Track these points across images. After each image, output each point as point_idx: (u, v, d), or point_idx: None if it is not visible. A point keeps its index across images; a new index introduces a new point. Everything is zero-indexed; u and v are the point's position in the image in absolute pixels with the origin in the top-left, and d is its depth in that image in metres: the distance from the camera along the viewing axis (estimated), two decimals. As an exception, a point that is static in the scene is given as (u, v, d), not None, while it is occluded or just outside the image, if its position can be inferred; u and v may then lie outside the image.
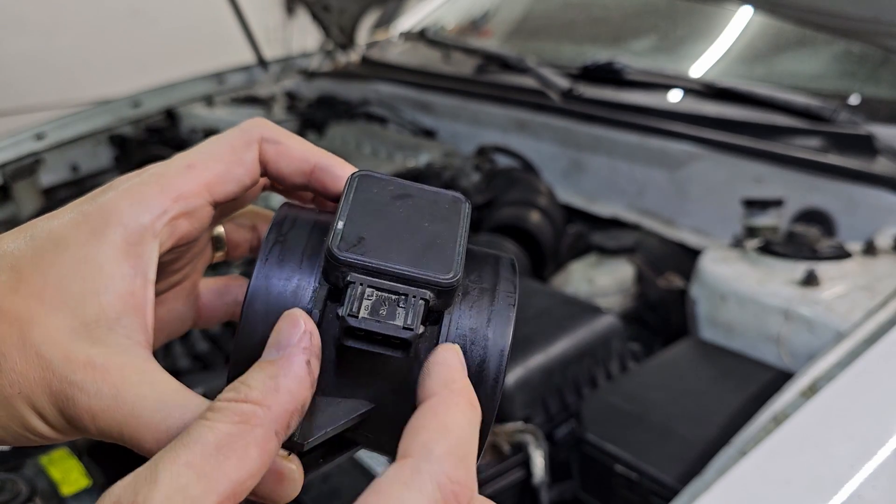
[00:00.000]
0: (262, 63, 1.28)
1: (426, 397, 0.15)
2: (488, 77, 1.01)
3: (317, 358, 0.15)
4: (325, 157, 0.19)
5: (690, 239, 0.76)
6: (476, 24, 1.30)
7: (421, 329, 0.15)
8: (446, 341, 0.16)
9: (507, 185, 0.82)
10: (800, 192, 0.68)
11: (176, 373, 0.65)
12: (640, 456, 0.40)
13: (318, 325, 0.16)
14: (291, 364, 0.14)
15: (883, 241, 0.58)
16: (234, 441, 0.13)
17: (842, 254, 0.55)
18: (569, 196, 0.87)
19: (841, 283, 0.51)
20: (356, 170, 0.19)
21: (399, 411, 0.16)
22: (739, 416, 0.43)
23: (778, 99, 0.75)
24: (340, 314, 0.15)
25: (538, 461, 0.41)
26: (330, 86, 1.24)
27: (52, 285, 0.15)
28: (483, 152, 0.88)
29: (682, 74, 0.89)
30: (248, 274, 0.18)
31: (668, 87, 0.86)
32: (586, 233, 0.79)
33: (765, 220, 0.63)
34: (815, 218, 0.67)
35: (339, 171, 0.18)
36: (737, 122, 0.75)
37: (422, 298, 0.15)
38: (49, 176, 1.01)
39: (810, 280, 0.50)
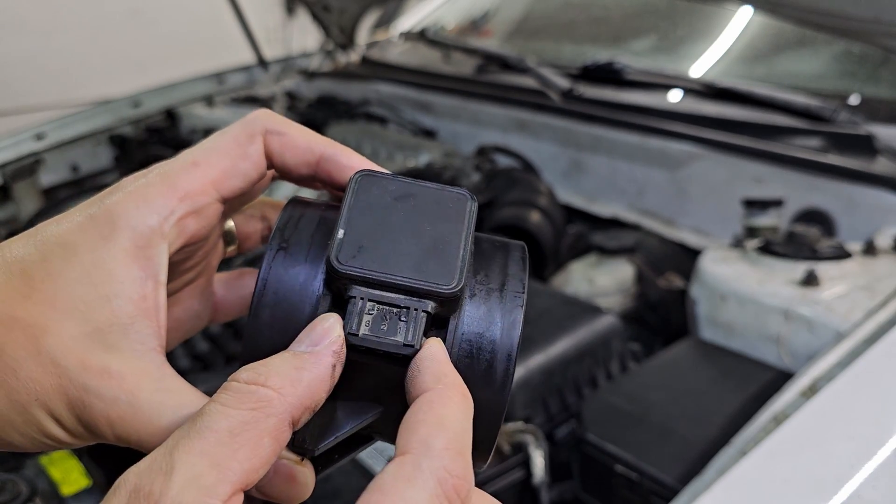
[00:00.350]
0: (263, 63, 1.27)
1: (420, 392, 0.15)
2: (488, 77, 1.01)
3: (340, 366, 0.15)
4: (330, 146, 0.18)
5: (690, 239, 0.76)
6: (476, 24, 1.30)
7: (422, 342, 0.15)
8: (452, 345, 0.16)
9: (507, 185, 0.82)
10: (800, 192, 0.68)
11: (177, 372, 0.65)
12: (640, 456, 0.40)
13: None
14: (319, 362, 0.14)
15: (883, 241, 0.58)
16: (248, 430, 0.13)
17: (842, 254, 0.55)
18: (569, 196, 0.87)
19: (841, 283, 0.51)
20: (362, 159, 0.18)
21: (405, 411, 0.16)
22: (739, 416, 0.43)
23: (778, 99, 0.75)
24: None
25: (538, 461, 0.41)
26: (330, 86, 1.24)
27: (64, 291, 0.15)
28: (483, 152, 0.88)
29: (682, 74, 0.89)
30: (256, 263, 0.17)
31: (668, 87, 0.86)
32: (586, 233, 0.79)
33: (765, 220, 0.63)
34: (815, 218, 0.67)
35: (344, 160, 0.18)
36: (737, 122, 0.75)
37: (423, 311, 0.15)
38: (49, 176, 1.01)
39: (810, 280, 0.50)
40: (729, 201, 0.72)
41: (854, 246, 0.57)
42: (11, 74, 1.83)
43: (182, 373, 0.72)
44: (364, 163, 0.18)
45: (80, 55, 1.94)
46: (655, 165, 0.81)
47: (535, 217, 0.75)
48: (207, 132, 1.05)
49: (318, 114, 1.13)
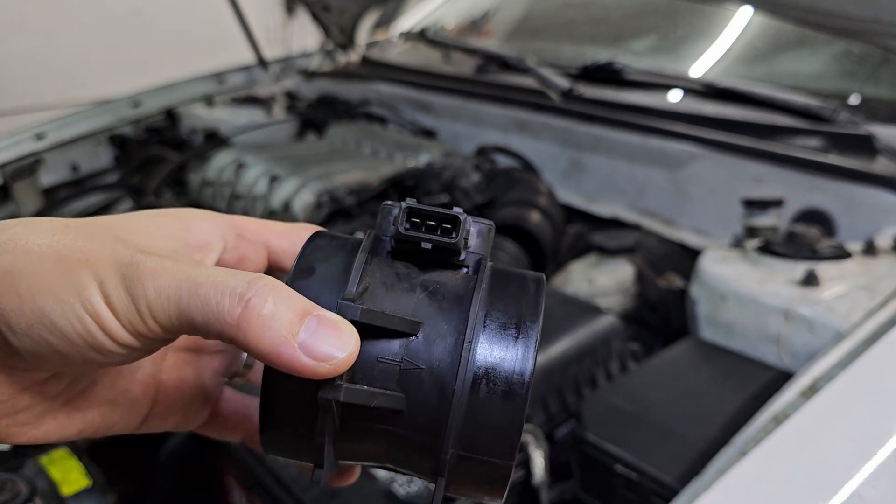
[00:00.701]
0: (262, 63, 1.27)
1: None
2: (488, 77, 1.01)
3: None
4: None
5: (690, 239, 0.76)
6: (476, 24, 1.30)
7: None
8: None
9: (507, 185, 0.82)
10: (800, 192, 0.68)
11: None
12: (640, 456, 0.40)
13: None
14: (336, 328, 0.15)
15: (883, 241, 0.58)
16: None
17: (842, 254, 0.54)
18: (569, 196, 0.87)
19: (841, 283, 0.51)
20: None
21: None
22: (739, 416, 0.43)
23: (778, 99, 0.75)
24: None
25: (538, 461, 0.41)
26: (330, 86, 1.24)
27: (114, 226, 0.16)
28: (483, 152, 0.88)
29: (682, 74, 0.89)
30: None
31: (668, 87, 0.86)
32: (586, 233, 0.79)
33: (765, 220, 0.63)
34: (815, 218, 0.67)
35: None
36: (737, 122, 0.75)
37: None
38: (49, 176, 1.01)
39: (810, 280, 0.50)
40: (729, 201, 0.72)
41: (854, 246, 0.57)
42: (12, 74, 1.84)
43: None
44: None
45: (80, 55, 1.94)
46: (655, 165, 0.81)
47: (535, 217, 0.75)
48: (207, 132, 1.06)
49: (318, 114, 1.13)
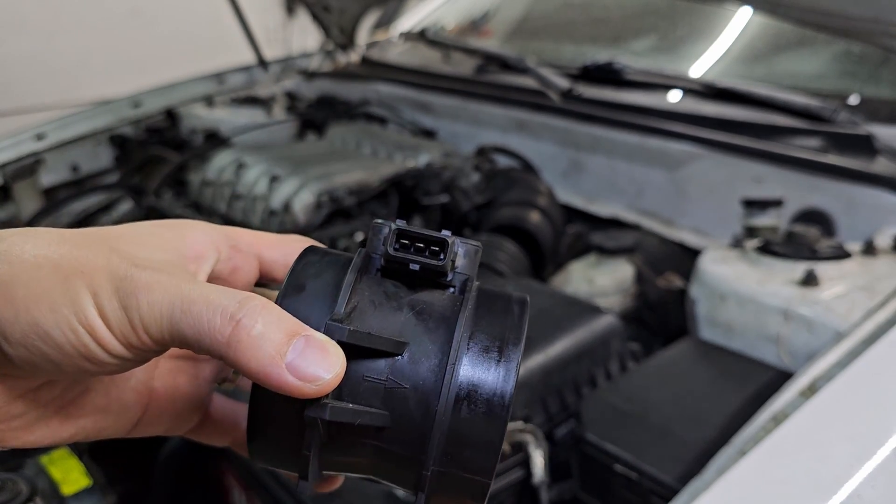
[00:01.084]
0: (263, 63, 1.28)
1: None
2: (488, 77, 1.01)
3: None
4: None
5: (690, 239, 0.76)
6: (476, 25, 1.30)
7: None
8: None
9: (506, 186, 0.82)
10: (799, 192, 0.68)
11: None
12: (639, 456, 0.40)
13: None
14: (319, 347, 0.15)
15: (882, 241, 0.58)
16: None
17: (841, 254, 0.54)
18: (568, 196, 0.87)
19: (840, 283, 0.51)
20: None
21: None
22: (739, 416, 0.43)
23: (778, 99, 0.75)
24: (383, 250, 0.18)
25: (538, 461, 0.42)
26: (330, 86, 1.24)
27: (111, 238, 0.17)
28: (483, 152, 0.88)
29: (681, 74, 0.89)
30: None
31: (667, 88, 0.86)
32: (586, 233, 0.79)
33: (764, 220, 0.63)
34: (815, 218, 0.67)
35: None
36: (736, 123, 0.75)
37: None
38: (49, 176, 1.01)
39: (810, 280, 0.50)
40: (728, 201, 0.72)
41: (854, 246, 0.57)
42: (12, 74, 1.84)
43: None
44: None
45: (80, 55, 1.94)
46: (655, 165, 0.81)
47: (534, 217, 0.75)
48: (208, 132, 1.06)
49: (318, 114, 1.13)
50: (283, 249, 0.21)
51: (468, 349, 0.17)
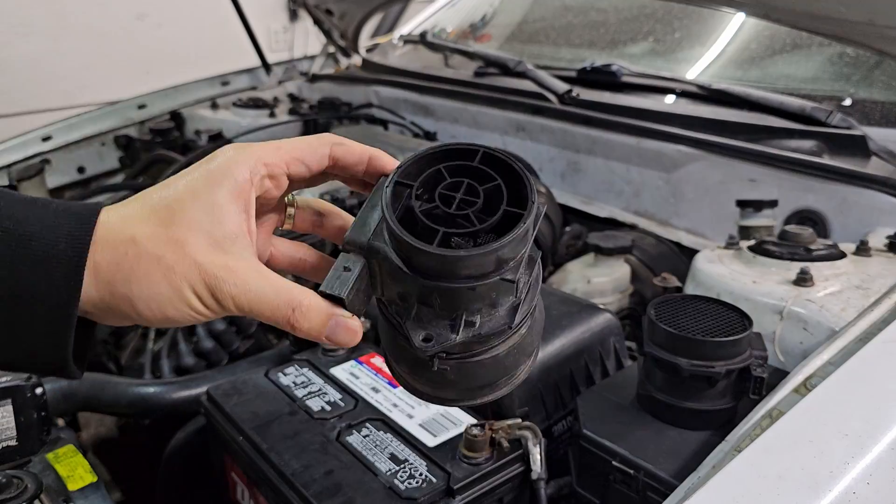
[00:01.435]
0: (266, 66, 1.29)
1: None
2: (487, 80, 1.02)
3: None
4: (376, 150, 0.28)
5: (686, 239, 0.77)
6: (475, 29, 1.31)
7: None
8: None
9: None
10: (794, 192, 0.69)
11: (182, 370, 0.66)
12: (636, 451, 0.40)
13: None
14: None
15: (876, 241, 0.59)
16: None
17: (835, 254, 0.55)
18: (566, 197, 0.88)
19: (834, 282, 0.51)
20: (393, 160, 0.27)
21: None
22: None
23: (773, 101, 0.76)
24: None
25: (536, 457, 0.42)
26: (332, 88, 1.25)
27: (194, 219, 0.24)
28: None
29: (677, 77, 0.89)
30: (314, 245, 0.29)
31: (664, 90, 0.87)
32: (584, 233, 0.79)
33: (759, 220, 0.64)
34: (809, 218, 0.68)
35: (386, 159, 0.28)
36: (732, 124, 0.76)
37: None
38: (55, 177, 1.02)
39: (804, 279, 0.51)
40: (724, 202, 0.73)
41: (847, 246, 0.57)
42: (19, 77, 1.85)
43: (186, 370, 0.73)
44: (395, 162, 0.27)
45: (86, 58, 1.96)
46: (651, 167, 0.82)
47: (533, 218, 0.75)
48: (212, 134, 1.07)
49: (321, 116, 1.14)
50: (307, 162, 0.27)
51: None
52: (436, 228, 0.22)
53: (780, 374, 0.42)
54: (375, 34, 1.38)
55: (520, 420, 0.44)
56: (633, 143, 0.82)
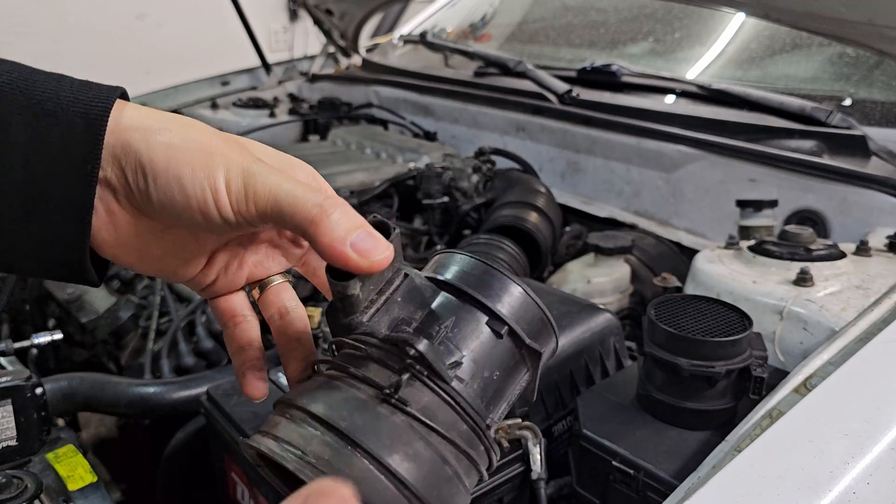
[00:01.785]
0: (266, 66, 1.29)
1: None
2: (487, 80, 1.02)
3: None
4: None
5: (686, 239, 0.77)
6: (475, 29, 1.31)
7: None
8: None
9: (505, 187, 0.83)
10: (794, 192, 0.69)
11: (182, 370, 0.66)
12: (636, 451, 0.40)
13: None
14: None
15: (876, 241, 0.59)
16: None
17: (835, 253, 0.55)
18: (566, 197, 0.88)
19: (835, 282, 0.51)
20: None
21: None
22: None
23: (773, 101, 0.76)
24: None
25: (536, 457, 0.42)
26: (332, 88, 1.26)
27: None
28: (482, 154, 0.89)
29: (677, 77, 0.89)
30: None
31: (663, 90, 0.87)
32: (584, 233, 0.79)
33: (759, 220, 0.64)
34: (809, 218, 0.68)
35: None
36: (732, 124, 0.76)
37: None
38: (54, 178, 1.02)
39: (804, 279, 0.51)
40: (724, 202, 0.73)
41: (848, 246, 0.57)
42: (17, 78, 1.85)
43: (186, 370, 0.73)
44: None
45: (86, 58, 1.96)
46: (651, 167, 0.82)
47: (533, 218, 0.75)
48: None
49: (321, 116, 1.14)
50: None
51: None
52: None
53: (780, 374, 0.42)
54: (375, 34, 1.38)
55: (520, 420, 0.44)
56: (633, 143, 0.82)
